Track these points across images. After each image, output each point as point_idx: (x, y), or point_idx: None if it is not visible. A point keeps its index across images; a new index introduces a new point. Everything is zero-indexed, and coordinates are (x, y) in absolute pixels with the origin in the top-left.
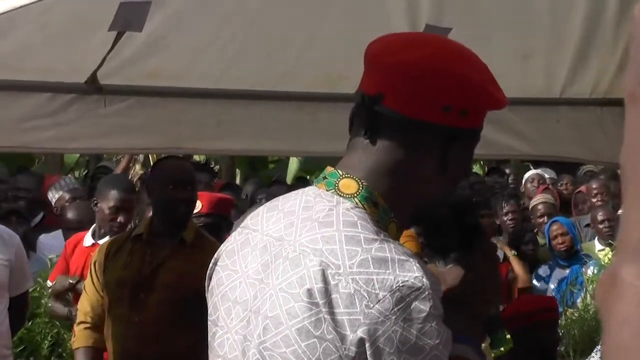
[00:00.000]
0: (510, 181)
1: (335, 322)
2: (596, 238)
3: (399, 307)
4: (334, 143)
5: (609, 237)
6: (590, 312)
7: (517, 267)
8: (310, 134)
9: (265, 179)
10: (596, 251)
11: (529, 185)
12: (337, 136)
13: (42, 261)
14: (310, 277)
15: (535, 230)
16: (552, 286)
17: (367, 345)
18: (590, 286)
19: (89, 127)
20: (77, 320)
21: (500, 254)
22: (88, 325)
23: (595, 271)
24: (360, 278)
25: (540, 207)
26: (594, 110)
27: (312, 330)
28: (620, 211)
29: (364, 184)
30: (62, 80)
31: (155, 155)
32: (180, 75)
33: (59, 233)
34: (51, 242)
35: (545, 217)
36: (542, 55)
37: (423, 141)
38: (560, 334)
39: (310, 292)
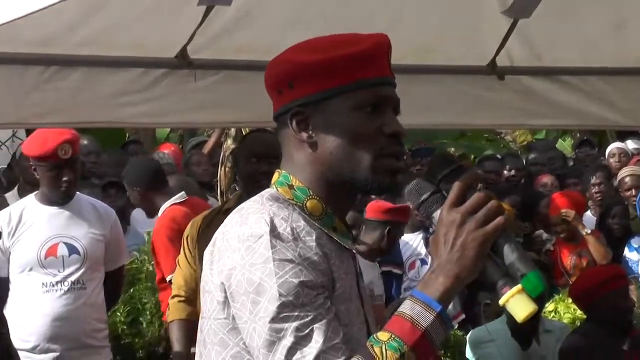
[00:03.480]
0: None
1: (212, 276)
2: None
3: (247, 253)
4: (426, 116)
5: None
6: None
7: (593, 245)
8: (402, 107)
9: None
10: None
11: (611, 160)
12: (429, 109)
13: (139, 235)
14: (210, 245)
15: (626, 204)
16: None
17: (225, 288)
18: None
19: (180, 102)
20: (172, 294)
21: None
22: (182, 298)
23: None
24: (229, 237)
25: (627, 179)
26: None
27: (205, 287)
28: None
29: (282, 172)
30: (153, 56)
31: (247, 129)
32: (269, 48)
33: None
34: (144, 216)
35: (633, 190)
36: (636, 25)
37: (287, 128)
38: None
39: (206, 257)
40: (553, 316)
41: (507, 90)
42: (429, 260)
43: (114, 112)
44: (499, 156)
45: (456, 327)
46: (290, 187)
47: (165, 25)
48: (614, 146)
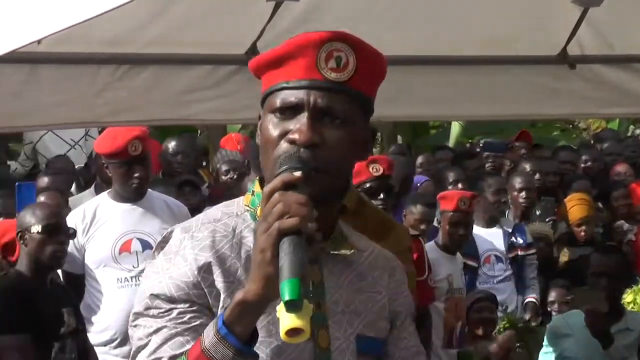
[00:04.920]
0: None
1: None
2: None
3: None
4: (495, 107)
5: None
6: None
7: None
8: (471, 98)
9: (426, 146)
10: None
11: None
12: (498, 100)
13: None
14: None
15: None
16: None
17: None
18: None
19: (250, 98)
20: None
21: None
22: None
23: None
24: None
25: None
26: None
27: None
28: None
29: (254, 180)
30: (223, 52)
31: None
32: None
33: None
34: None
35: None
36: None
37: None
38: None
39: None
40: (632, 307)
41: (578, 80)
42: (504, 257)
43: (185, 109)
44: (573, 147)
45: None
46: (252, 193)
47: (234, 21)
48: None
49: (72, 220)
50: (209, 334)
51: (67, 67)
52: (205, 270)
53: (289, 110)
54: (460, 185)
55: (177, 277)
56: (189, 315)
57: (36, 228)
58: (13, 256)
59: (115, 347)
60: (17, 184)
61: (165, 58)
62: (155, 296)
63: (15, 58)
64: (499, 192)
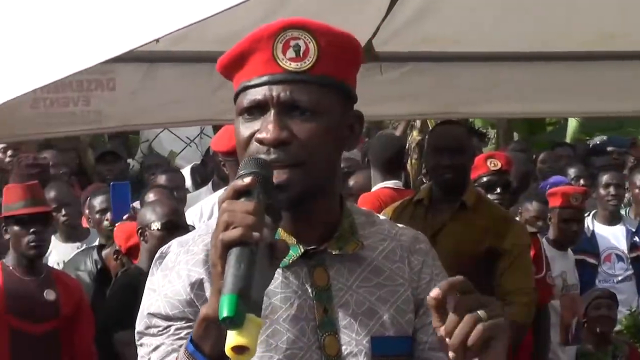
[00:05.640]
0: None
1: None
2: None
3: None
4: (612, 103)
5: None
6: None
7: None
8: (587, 94)
9: (542, 142)
10: None
11: None
12: (616, 96)
13: None
14: None
15: None
16: None
17: None
18: None
19: (365, 94)
20: None
21: None
22: None
23: None
24: None
25: None
26: None
27: None
28: None
29: None
30: None
31: (433, 120)
32: (453, 38)
33: None
34: None
35: None
36: None
37: None
38: None
39: None
40: None
41: None
42: (625, 256)
43: None
44: None
45: None
46: None
47: (349, 19)
48: None
49: (190, 217)
50: (181, 352)
51: (183, 65)
52: (197, 287)
53: (255, 110)
54: (582, 182)
55: (172, 296)
56: (185, 332)
57: (156, 225)
58: (136, 259)
59: None
60: (111, 183)
61: None
62: (153, 315)
63: (134, 57)
64: (608, 185)
